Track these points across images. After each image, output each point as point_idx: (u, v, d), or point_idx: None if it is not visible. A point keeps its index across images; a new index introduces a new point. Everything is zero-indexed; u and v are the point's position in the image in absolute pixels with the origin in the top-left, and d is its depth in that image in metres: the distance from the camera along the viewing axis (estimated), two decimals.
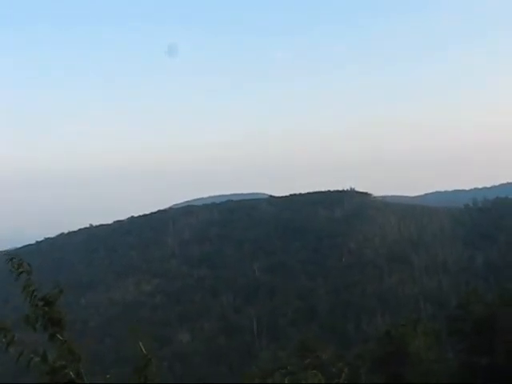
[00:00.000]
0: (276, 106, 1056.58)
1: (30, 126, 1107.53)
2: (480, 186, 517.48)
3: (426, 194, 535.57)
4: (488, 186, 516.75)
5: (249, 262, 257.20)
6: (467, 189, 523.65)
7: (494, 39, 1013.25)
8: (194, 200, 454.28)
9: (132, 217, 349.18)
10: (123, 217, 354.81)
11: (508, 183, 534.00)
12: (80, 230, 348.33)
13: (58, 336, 9.61)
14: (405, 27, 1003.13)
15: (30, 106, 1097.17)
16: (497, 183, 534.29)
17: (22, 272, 9.72)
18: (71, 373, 9.33)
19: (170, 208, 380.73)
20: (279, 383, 11.72)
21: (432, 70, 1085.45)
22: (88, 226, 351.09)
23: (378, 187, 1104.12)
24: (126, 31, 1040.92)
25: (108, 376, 10.85)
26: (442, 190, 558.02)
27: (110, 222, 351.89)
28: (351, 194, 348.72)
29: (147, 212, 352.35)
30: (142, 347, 10.13)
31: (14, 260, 9.80)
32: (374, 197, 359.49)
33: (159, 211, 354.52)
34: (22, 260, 9.87)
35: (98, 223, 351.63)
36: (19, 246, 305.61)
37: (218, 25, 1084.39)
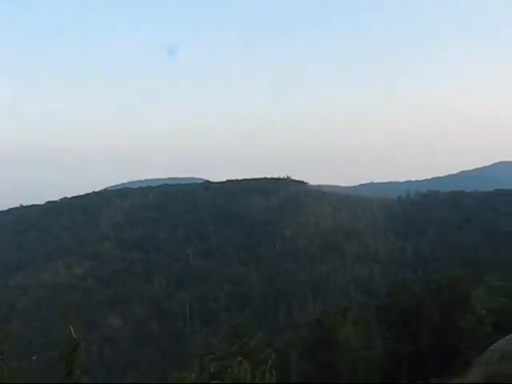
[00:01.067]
0: (211, 93, 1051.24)
1: None
2: (413, 179, 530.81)
3: (361, 185, 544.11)
4: (420, 179, 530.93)
5: (182, 246, 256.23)
6: (401, 181, 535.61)
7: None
8: (130, 183, 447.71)
9: (65, 198, 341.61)
10: (56, 197, 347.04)
11: (439, 177, 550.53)
12: (10, 209, 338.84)
13: None
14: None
15: None
16: (429, 176, 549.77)
17: None
18: None
19: (105, 190, 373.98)
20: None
21: (367, 65, 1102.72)
22: (18, 206, 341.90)
23: (314, 177, 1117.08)
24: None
25: (34, 358, 10.56)
26: (377, 181, 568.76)
27: (41, 202, 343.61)
28: (287, 182, 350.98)
29: (81, 193, 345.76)
30: (73, 331, 9.91)
31: None
32: (310, 186, 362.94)
33: (93, 193, 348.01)
34: None
35: (29, 203, 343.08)
36: None
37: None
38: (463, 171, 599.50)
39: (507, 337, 38.17)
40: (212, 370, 11.51)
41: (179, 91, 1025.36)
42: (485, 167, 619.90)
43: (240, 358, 11.06)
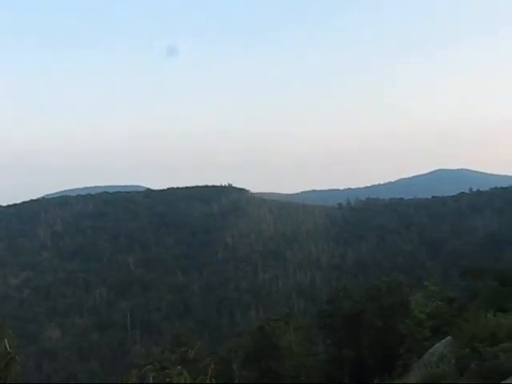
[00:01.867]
0: (154, 102, 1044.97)
1: None
2: (353, 187, 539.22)
3: (303, 192, 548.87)
4: (361, 186, 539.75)
5: (123, 255, 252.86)
6: (341, 188, 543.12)
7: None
8: (69, 191, 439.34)
9: (0, 206, 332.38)
10: None
11: (379, 184, 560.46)
12: None
13: None
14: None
15: None
16: (369, 184, 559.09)
17: None
18: None
19: (43, 198, 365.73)
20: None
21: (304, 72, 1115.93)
22: None
23: (256, 184, 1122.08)
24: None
25: None
26: (318, 188, 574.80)
27: None
28: (228, 189, 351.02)
29: (17, 202, 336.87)
30: (7, 345, 9.51)
31: None
32: (252, 193, 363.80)
33: (30, 201, 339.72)
34: None
35: None
36: None
37: None
38: (402, 179, 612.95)
39: (444, 340, 38.97)
40: (151, 381, 11.22)
41: (122, 96, 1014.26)
42: (422, 175, 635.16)
43: (179, 368, 10.82)
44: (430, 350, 39.36)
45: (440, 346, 38.20)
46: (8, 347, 9.33)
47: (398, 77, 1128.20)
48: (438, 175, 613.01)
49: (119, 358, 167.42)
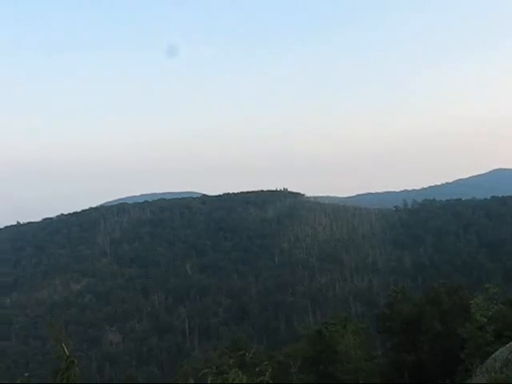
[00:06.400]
0: (209, 105, 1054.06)
1: None
2: (410, 188, 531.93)
3: (358, 195, 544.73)
4: (417, 188, 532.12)
5: (181, 261, 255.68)
6: (397, 190, 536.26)
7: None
8: (127, 198, 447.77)
9: (61, 214, 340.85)
10: (52, 214, 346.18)
11: (436, 185, 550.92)
12: (6, 227, 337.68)
13: None
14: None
15: None
16: (426, 185, 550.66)
17: None
18: None
19: (102, 206, 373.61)
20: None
21: (364, 72, 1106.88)
22: (15, 223, 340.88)
23: (311, 188, 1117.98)
24: None
25: (26, 374, 10.30)
26: (374, 191, 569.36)
27: (38, 219, 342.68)
28: (284, 194, 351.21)
29: (77, 210, 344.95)
30: (65, 348, 9.66)
31: None
32: (307, 197, 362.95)
33: (90, 209, 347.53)
34: None
35: (25, 221, 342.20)
36: None
37: None
38: (460, 179, 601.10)
39: (508, 345, 37.91)
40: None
41: (175, 105, 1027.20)
42: (481, 175, 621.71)
43: (235, 370, 10.83)
44: (494, 355, 38.35)
45: (504, 351, 37.16)
46: (66, 350, 9.49)
47: (450, 75, 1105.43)
48: (497, 175, 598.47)
49: (178, 363, 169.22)
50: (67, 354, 9.74)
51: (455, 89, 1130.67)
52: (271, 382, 11.59)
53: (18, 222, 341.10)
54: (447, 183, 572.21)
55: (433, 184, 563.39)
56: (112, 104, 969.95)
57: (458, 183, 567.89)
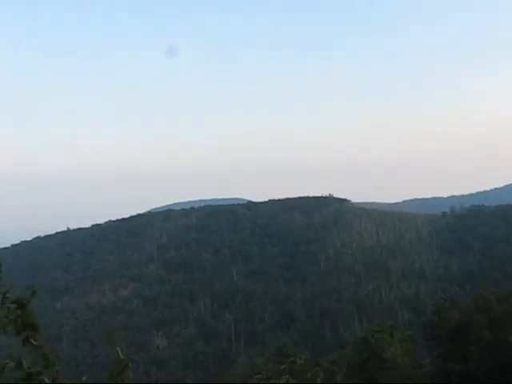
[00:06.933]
0: (257, 112, 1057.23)
1: (12, 126, 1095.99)
2: (457, 194, 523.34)
3: (405, 201, 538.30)
4: (465, 193, 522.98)
5: (226, 267, 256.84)
6: (445, 196, 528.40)
7: None
8: (173, 204, 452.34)
9: (110, 221, 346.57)
10: (101, 221, 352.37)
11: (484, 191, 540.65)
12: (57, 233, 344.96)
13: (32, 341, 9.37)
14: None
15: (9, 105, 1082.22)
16: (474, 191, 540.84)
17: None
18: (46, 379, 9.15)
19: (149, 212, 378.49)
20: None
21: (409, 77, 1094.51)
22: (65, 229, 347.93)
23: (357, 194, 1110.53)
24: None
25: (84, 379, 10.67)
26: (421, 197, 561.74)
27: (87, 225, 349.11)
28: (329, 200, 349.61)
29: (125, 216, 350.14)
30: (120, 352, 10.01)
31: None
32: (353, 203, 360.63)
33: (137, 215, 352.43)
34: None
35: (75, 227, 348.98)
36: None
37: None
38: (509, 184, 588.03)
39: None
40: None
41: (223, 111, 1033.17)
42: None
43: (286, 377, 11.05)
44: None
45: None
46: (121, 354, 9.87)
47: (503, 78, 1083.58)
48: None
49: (224, 368, 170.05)
50: (122, 357, 10.09)
51: (507, 92, 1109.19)
52: None
53: (67, 228, 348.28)
54: (496, 188, 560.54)
55: (481, 189, 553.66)
56: (160, 113, 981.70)
57: (509, 188, 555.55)
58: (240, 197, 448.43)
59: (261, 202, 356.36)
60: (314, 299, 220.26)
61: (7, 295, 9.34)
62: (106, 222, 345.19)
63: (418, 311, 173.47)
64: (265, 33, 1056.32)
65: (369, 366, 55.49)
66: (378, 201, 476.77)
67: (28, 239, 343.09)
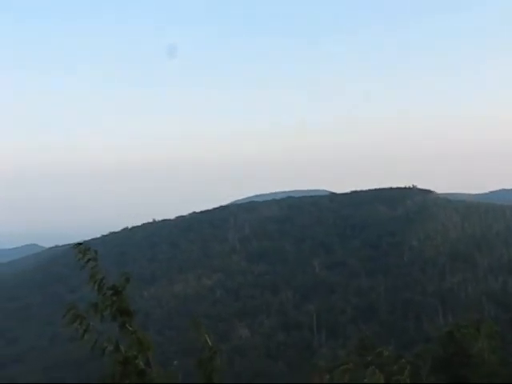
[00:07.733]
0: (326, 102, 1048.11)
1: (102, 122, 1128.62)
2: None
3: (491, 192, 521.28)
4: None
5: (308, 258, 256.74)
6: None
7: None
8: (255, 196, 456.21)
9: (194, 212, 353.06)
10: (185, 212, 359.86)
11: None
12: (143, 224, 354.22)
13: (127, 326, 9.89)
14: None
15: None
16: None
17: (89, 260, 9.71)
18: (141, 362, 9.66)
19: (231, 204, 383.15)
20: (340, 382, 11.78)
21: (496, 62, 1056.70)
22: (151, 221, 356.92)
23: (441, 185, 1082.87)
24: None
25: (175, 363, 11.16)
26: (508, 187, 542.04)
27: (172, 217, 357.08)
28: (413, 191, 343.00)
29: (209, 208, 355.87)
30: (208, 340, 10.43)
31: (80, 247, 9.75)
32: (437, 194, 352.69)
33: (220, 207, 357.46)
34: (88, 246, 9.83)
35: (160, 218, 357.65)
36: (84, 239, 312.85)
37: None
38: None
39: None
40: (346, 381, 11.63)
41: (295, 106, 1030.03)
42: None
43: (372, 367, 11.13)
44: None
45: None
46: (210, 342, 10.33)
47: None
48: None
49: (306, 359, 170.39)
50: (210, 344, 10.59)
51: None
52: (408, 381, 11.72)
53: (153, 220, 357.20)
54: None
55: None
56: (247, 102, 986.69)
57: None
58: (322, 188, 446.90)
59: (343, 194, 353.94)
60: (397, 291, 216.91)
61: (103, 281, 9.92)
62: (190, 214, 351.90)
63: (505, 306, 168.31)
64: None
65: (454, 361, 54.48)
66: (463, 192, 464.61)
67: (116, 230, 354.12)
